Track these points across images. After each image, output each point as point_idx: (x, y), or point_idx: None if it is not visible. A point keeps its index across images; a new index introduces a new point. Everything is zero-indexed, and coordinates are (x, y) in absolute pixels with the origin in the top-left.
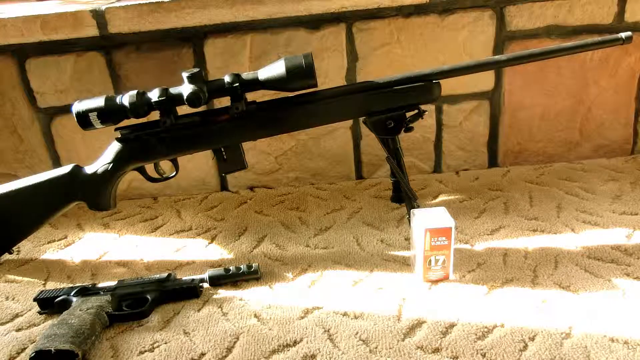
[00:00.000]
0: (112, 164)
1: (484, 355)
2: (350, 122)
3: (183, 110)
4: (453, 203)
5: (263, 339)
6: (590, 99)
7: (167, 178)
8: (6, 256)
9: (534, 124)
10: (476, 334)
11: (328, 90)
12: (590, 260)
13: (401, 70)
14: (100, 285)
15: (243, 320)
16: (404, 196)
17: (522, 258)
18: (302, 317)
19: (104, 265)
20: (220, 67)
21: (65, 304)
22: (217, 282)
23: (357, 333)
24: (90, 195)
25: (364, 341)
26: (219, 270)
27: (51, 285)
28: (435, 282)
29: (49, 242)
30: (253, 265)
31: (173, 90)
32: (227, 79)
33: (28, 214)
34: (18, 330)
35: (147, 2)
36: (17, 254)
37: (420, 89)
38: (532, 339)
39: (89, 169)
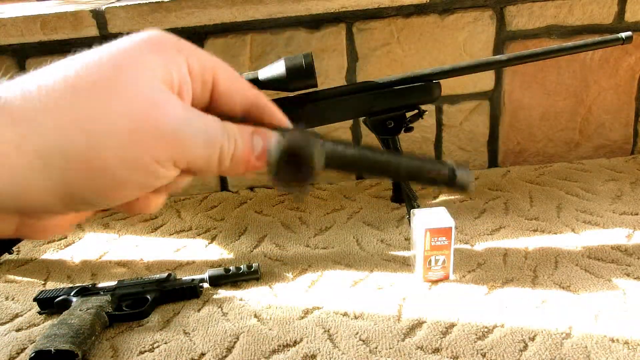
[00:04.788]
0: None
1: (484, 355)
2: (350, 122)
3: None
4: (453, 203)
5: (263, 339)
6: (590, 99)
7: None
8: (6, 256)
9: (534, 124)
10: (476, 334)
11: (328, 90)
12: (591, 260)
13: (401, 70)
14: (100, 285)
15: (243, 320)
16: (404, 196)
17: (522, 258)
18: (302, 317)
19: (104, 265)
20: None
21: (65, 304)
22: (217, 282)
23: (357, 333)
24: None
25: (364, 341)
26: (219, 270)
27: (51, 285)
28: (435, 282)
29: (49, 242)
30: (253, 265)
31: None
32: None
33: None
34: (18, 330)
35: (147, 2)
36: (17, 254)
37: (420, 89)
38: (532, 339)
39: None
